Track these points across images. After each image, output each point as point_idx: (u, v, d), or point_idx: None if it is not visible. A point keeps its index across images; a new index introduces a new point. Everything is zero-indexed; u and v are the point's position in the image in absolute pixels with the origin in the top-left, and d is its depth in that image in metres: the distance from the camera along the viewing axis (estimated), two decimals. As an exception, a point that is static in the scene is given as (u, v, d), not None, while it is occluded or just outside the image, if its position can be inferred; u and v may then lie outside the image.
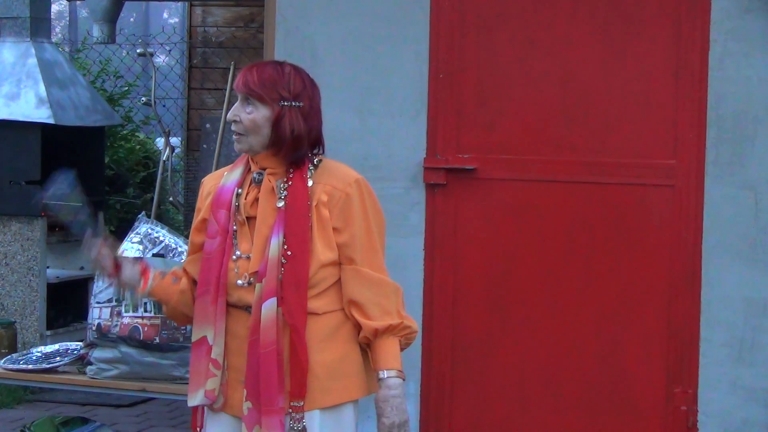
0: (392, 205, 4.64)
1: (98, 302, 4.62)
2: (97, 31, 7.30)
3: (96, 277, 4.73)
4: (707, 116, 4.48)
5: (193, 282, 3.32)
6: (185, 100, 8.63)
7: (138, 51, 6.93)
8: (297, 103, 3.20)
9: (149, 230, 4.59)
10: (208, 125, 8.09)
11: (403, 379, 3.21)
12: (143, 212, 4.85)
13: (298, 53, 4.73)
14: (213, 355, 3.23)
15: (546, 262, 4.64)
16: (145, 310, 4.54)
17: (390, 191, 4.68)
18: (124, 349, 4.55)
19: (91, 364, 4.62)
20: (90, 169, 6.91)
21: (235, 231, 3.24)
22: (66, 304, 6.69)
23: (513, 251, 4.67)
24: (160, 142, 9.10)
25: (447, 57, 4.70)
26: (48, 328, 6.43)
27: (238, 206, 3.24)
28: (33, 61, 6.47)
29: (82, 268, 6.81)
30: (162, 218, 8.15)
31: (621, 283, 4.58)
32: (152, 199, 6.83)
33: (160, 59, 10.55)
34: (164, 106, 8.91)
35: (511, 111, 4.68)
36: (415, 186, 4.74)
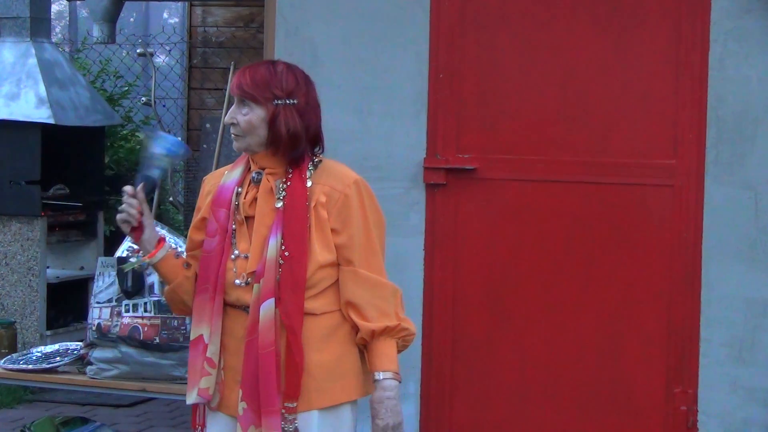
0: (392, 205, 4.64)
1: (98, 302, 4.61)
2: (97, 31, 7.30)
3: (96, 277, 4.73)
4: (707, 116, 4.48)
5: (195, 276, 3.33)
6: (185, 100, 8.62)
7: (138, 51, 6.93)
8: (291, 101, 3.20)
9: (149, 230, 4.58)
10: (208, 125, 8.09)
11: (399, 381, 3.21)
12: (143, 212, 4.84)
13: (298, 53, 4.73)
14: (208, 354, 3.23)
15: (546, 262, 4.64)
16: (145, 310, 4.54)
17: (390, 191, 4.68)
18: (124, 349, 4.54)
19: (91, 364, 4.62)
20: (90, 169, 6.92)
21: (234, 230, 3.24)
22: (66, 304, 6.69)
23: (513, 251, 4.67)
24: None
25: (447, 57, 4.70)
26: (48, 328, 6.44)
27: (237, 205, 3.24)
28: (33, 61, 6.48)
29: (82, 268, 6.81)
30: (162, 218, 8.15)
31: (621, 283, 4.58)
32: (152, 199, 6.82)
33: (160, 59, 10.54)
34: (164, 106, 8.91)
35: (511, 111, 4.67)
36: (415, 186, 4.73)
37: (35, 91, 6.39)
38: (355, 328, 3.22)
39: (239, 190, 3.26)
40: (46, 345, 5.23)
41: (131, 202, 3.27)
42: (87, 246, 6.85)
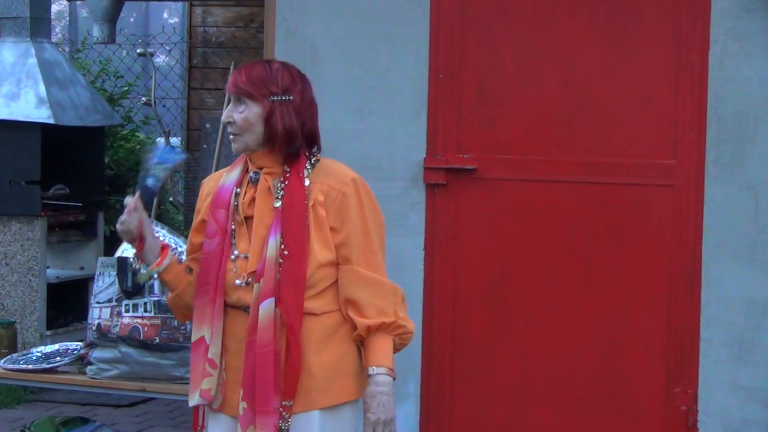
0: (392, 205, 4.64)
1: (98, 302, 4.62)
2: (97, 31, 7.30)
3: (96, 277, 4.73)
4: (707, 116, 4.48)
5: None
6: (185, 100, 8.62)
7: (138, 51, 6.93)
8: (287, 98, 3.21)
9: (149, 230, 4.58)
10: (208, 125, 8.08)
11: (394, 378, 3.20)
12: (143, 212, 4.84)
13: (298, 53, 4.73)
14: (209, 355, 3.23)
15: (546, 262, 4.64)
16: (145, 310, 4.54)
17: (390, 191, 4.68)
18: (124, 349, 4.54)
19: (91, 364, 4.62)
20: (90, 169, 6.93)
21: (234, 231, 3.24)
22: (66, 304, 6.69)
23: (513, 251, 4.67)
24: (160, 142, 9.09)
25: (447, 57, 4.70)
26: (48, 328, 6.44)
27: (236, 206, 3.25)
28: (33, 61, 6.48)
29: (82, 268, 6.81)
30: (162, 218, 8.15)
31: (621, 283, 4.58)
32: (152, 205, 6.82)
33: (160, 59, 10.54)
34: (164, 106, 8.91)
35: (511, 111, 4.68)
36: (415, 186, 4.74)
37: (35, 91, 6.39)
38: (355, 327, 3.22)
39: (238, 190, 3.26)
40: (46, 345, 5.23)
41: (132, 214, 3.26)
42: (87, 246, 6.86)
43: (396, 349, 3.24)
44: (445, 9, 4.69)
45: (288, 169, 3.22)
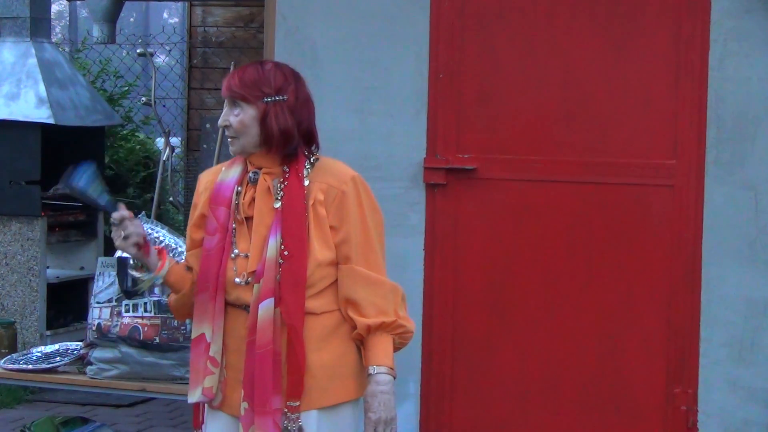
0: (392, 205, 4.64)
1: (98, 302, 4.62)
2: (97, 31, 7.30)
3: (96, 277, 4.73)
4: (707, 116, 4.48)
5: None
6: (185, 100, 8.62)
7: (138, 51, 6.93)
8: (281, 98, 3.21)
9: (149, 230, 4.59)
10: (208, 125, 8.08)
11: (394, 377, 3.20)
12: (143, 212, 4.85)
13: (298, 53, 4.73)
14: (211, 353, 3.23)
15: (546, 262, 4.64)
16: (145, 310, 4.54)
17: (390, 191, 4.68)
18: (124, 349, 4.55)
19: (91, 364, 4.62)
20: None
21: (234, 229, 3.24)
22: (66, 304, 6.69)
23: (513, 251, 4.67)
24: (160, 142, 9.10)
25: (447, 57, 4.70)
26: (48, 328, 6.43)
27: (237, 205, 3.25)
28: (33, 61, 6.47)
29: (82, 268, 6.81)
30: (162, 218, 8.15)
31: (621, 283, 4.58)
32: (152, 199, 6.82)
33: (160, 59, 10.54)
34: (164, 106, 8.91)
35: (511, 111, 4.68)
36: (415, 186, 4.74)
37: (35, 91, 6.39)
38: (355, 327, 3.22)
39: (239, 189, 3.26)
40: (46, 345, 5.23)
41: (135, 222, 3.25)
42: (87, 246, 6.85)
43: (396, 348, 3.24)
44: (445, 9, 4.69)
45: (287, 169, 3.23)
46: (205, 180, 3.37)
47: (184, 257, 3.44)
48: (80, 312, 6.46)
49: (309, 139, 3.27)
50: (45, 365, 4.76)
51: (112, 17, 7.29)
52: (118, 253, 4.65)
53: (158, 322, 4.51)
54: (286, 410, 3.15)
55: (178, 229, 7.47)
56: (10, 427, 5.86)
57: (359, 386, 3.25)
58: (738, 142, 4.46)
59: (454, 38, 4.70)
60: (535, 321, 4.66)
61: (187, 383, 3.36)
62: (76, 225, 6.80)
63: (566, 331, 4.63)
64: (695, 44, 4.48)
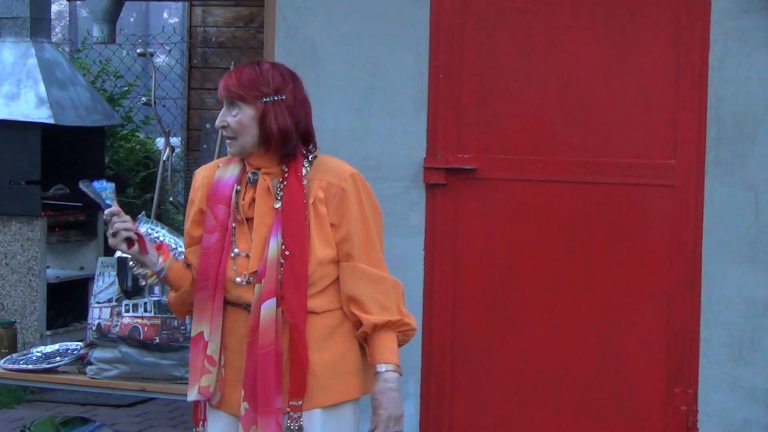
0: (392, 205, 4.64)
1: (98, 302, 4.62)
2: (97, 31, 7.30)
3: (96, 277, 4.73)
4: (707, 116, 4.48)
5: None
6: (185, 100, 8.62)
7: (138, 51, 6.92)
8: (279, 98, 3.21)
9: (149, 230, 4.59)
10: (208, 125, 8.09)
11: (400, 374, 3.21)
12: (143, 212, 4.85)
13: (298, 53, 4.73)
14: (208, 352, 3.24)
15: (546, 262, 4.64)
16: (145, 310, 4.54)
17: (390, 191, 4.68)
18: (124, 349, 4.55)
19: (91, 364, 4.62)
20: (90, 169, 6.92)
21: (234, 229, 3.24)
22: (66, 304, 6.69)
23: (513, 251, 4.67)
24: (160, 142, 9.10)
25: (447, 57, 4.70)
26: (48, 328, 6.43)
27: (237, 204, 3.25)
28: (33, 61, 6.47)
29: (82, 268, 6.81)
30: (162, 218, 8.15)
31: (621, 283, 4.58)
32: (152, 199, 6.82)
33: (160, 59, 10.53)
34: (164, 106, 8.91)
35: (511, 111, 4.67)
36: (415, 186, 4.74)
37: (35, 91, 6.39)
38: (357, 325, 3.23)
39: (238, 188, 3.26)
40: (46, 345, 5.23)
41: (123, 218, 3.24)
42: (87, 246, 6.85)
43: (399, 345, 3.25)
44: (445, 9, 4.69)
45: (286, 169, 3.23)
46: (201, 176, 3.36)
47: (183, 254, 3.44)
48: (80, 312, 6.46)
49: (306, 138, 3.28)
50: (45, 365, 4.76)
51: (112, 17, 7.29)
52: (118, 253, 4.65)
53: (158, 322, 4.52)
54: (288, 410, 3.16)
55: (178, 229, 7.46)
56: (10, 427, 5.86)
57: (361, 385, 3.25)
58: (738, 142, 4.46)
59: (454, 38, 4.70)
60: (535, 321, 4.66)
61: (187, 383, 3.36)
62: (76, 225, 6.80)
63: (566, 331, 4.63)
64: (695, 44, 4.48)
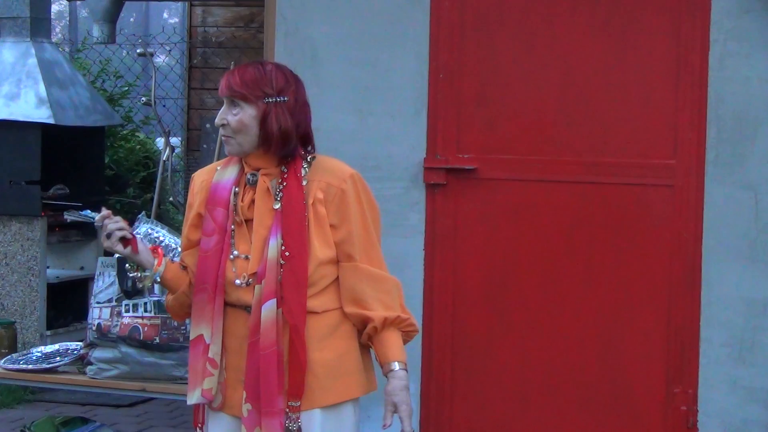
0: (392, 205, 4.64)
1: (98, 302, 4.61)
2: (97, 31, 7.30)
3: (96, 277, 4.73)
4: (707, 116, 4.48)
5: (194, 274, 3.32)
6: (185, 100, 8.63)
7: (138, 51, 6.92)
8: (281, 98, 3.20)
9: (149, 230, 4.59)
10: (208, 125, 8.09)
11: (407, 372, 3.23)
12: (143, 212, 4.85)
13: (298, 53, 4.73)
14: (210, 354, 3.23)
15: (546, 262, 4.64)
16: (145, 310, 4.54)
17: (390, 191, 4.68)
18: (124, 349, 4.54)
19: (91, 364, 4.62)
20: (90, 169, 6.93)
21: (233, 231, 3.24)
22: (66, 304, 6.69)
23: (513, 251, 4.67)
24: (160, 142, 9.10)
25: (447, 57, 4.70)
26: (48, 328, 6.44)
27: (235, 206, 3.24)
28: (33, 61, 6.47)
29: (82, 268, 6.81)
30: (162, 218, 8.14)
31: (621, 283, 4.58)
32: (152, 199, 6.82)
33: (160, 59, 10.54)
34: (164, 106, 8.91)
35: (511, 111, 4.68)
36: (415, 186, 4.74)
37: (35, 91, 6.39)
38: (358, 325, 3.23)
39: (236, 190, 3.26)
40: (46, 345, 5.23)
41: (114, 219, 3.24)
42: (87, 246, 6.86)
43: None
44: (445, 9, 4.69)
45: (285, 170, 3.23)
46: (199, 180, 3.36)
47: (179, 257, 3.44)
48: (80, 312, 6.46)
49: (305, 141, 3.28)
50: (45, 365, 4.76)
51: (112, 17, 7.29)
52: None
53: (158, 322, 4.51)
54: (287, 410, 3.15)
55: (178, 229, 7.46)
56: (10, 427, 5.86)
57: (361, 385, 3.25)
58: (738, 142, 4.46)
59: (454, 38, 4.70)
60: (535, 321, 4.66)
61: (187, 383, 3.35)
62: (76, 225, 6.80)
63: (566, 331, 4.63)
64: (695, 44, 4.48)
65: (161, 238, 4.59)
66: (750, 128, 4.45)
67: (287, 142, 3.20)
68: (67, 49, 10.32)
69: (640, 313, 4.57)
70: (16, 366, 4.79)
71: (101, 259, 4.77)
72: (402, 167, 4.74)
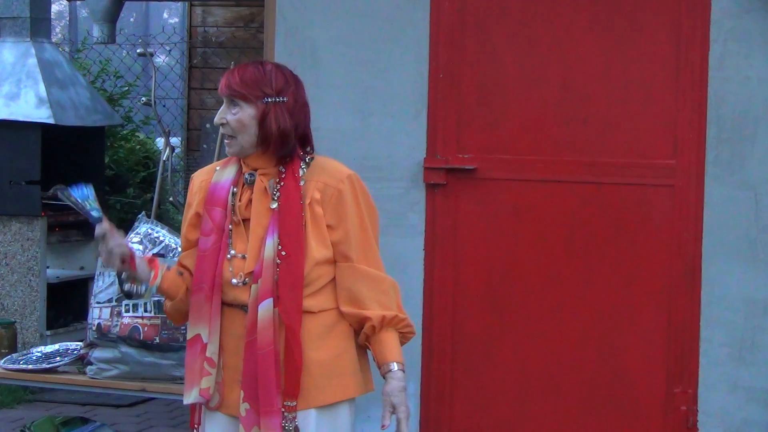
0: (392, 205, 4.64)
1: (98, 302, 4.61)
2: (97, 31, 7.30)
3: (96, 277, 4.73)
4: (707, 116, 4.48)
5: (191, 276, 3.32)
6: (185, 100, 8.62)
7: (138, 51, 6.93)
8: (281, 99, 3.21)
9: (149, 230, 4.59)
10: (208, 125, 8.09)
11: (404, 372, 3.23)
12: (143, 212, 4.85)
13: (298, 53, 4.73)
14: (208, 354, 3.23)
15: (546, 262, 4.64)
16: (145, 310, 4.54)
17: (390, 191, 4.68)
18: (124, 349, 4.55)
19: (91, 364, 4.62)
20: (90, 169, 6.92)
21: (231, 230, 3.24)
22: (66, 304, 6.69)
23: (513, 251, 4.67)
24: (160, 142, 9.09)
25: (447, 57, 4.70)
26: (48, 328, 6.43)
27: (233, 206, 3.24)
28: (33, 61, 6.47)
29: (82, 268, 6.81)
30: (162, 218, 8.15)
31: (621, 283, 4.58)
32: (152, 199, 6.83)
33: (160, 59, 10.54)
34: (164, 106, 8.91)
35: (511, 111, 4.68)
36: (415, 186, 4.74)
37: (35, 91, 6.39)
38: (355, 326, 3.23)
39: (235, 189, 3.26)
40: (46, 345, 5.23)
41: (115, 237, 3.25)
42: (87, 246, 6.86)
43: None
44: (445, 9, 4.69)
45: (283, 170, 3.23)
46: (198, 180, 3.36)
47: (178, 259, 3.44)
48: (80, 312, 6.46)
49: (304, 141, 3.28)
50: (45, 365, 4.76)
51: (112, 17, 7.28)
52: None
53: (158, 322, 4.51)
54: (283, 410, 3.15)
55: (178, 229, 7.46)
56: (10, 427, 5.86)
57: (356, 385, 3.25)
58: (738, 142, 4.46)
59: (454, 38, 4.70)
60: (535, 321, 4.66)
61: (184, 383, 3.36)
62: (76, 225, 6.80)
63: (566, 331, 4.63)
64: (695, 44, 4.48)
65: (161, 238, 4.59)
66: (750, 128, 4.45)
67: (286, 142, 3.21)
68: (67, 49, 10.32)
69: (640, 313, 4.57)
70: (16, 366, 4.79)
71: (101, 259, 4.76)
72: (402, 167, 4.74)
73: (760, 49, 4.43)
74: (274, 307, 3.15)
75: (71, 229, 6.80)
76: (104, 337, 4.55)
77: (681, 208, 4.52)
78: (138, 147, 9.14)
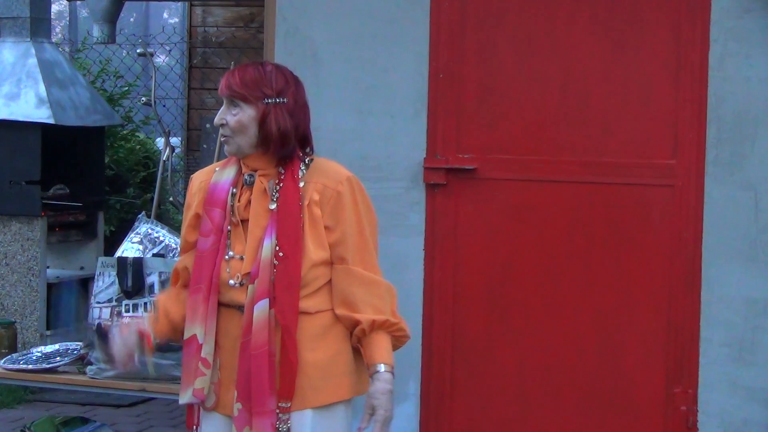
0: (392, 205, 4.64)
1: (98, 302, 4.61)
2: (97, 31, 7.30)
3: (96, 277, 4.73)
4: (707, 116, 4.48)
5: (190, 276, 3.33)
6: (185, 100, 8.62)
7: (138, 51, 6.92)
8: (281, 100, 3.21)
9: (149, 230, 4.59)
10: (208, 125, 8.08)
11: (394, 376, 3.21)
12: (143, 212, 4.85)
13: (298, 53, 4.73)
14: (203, 354, 3.23)
15: (546, 262, 4.64)
16: (145, 310, 4.54)
17: (390, 191, 4.68)
18: (124, 349, 4.53)
19: (91, 364, 4.62)
20: (90, 169, 6.92)
21: (229, 231, 3.24)
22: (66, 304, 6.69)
23: (513, 251, 4.67)
24: (160, 142, 9.09)
25: (447, 57, 4.70)
26: (48, 328, 6.43)
27: (232, 207, 3.24)
28: (33, 61, 6.47)
29: (82, 268, 6.81)
30: (162, 218, 8.14)
31: (621, 283, 4.58)
32: (152, 199, 6.82)
33: (160, 59, 10.54)
34: (164, 106, 8.90)
35: (511, 111, 4.67)
36: (415, 186, 4.73)
37: (35, 91, 6.39)
38: (349, 328, 3.23)
39: (234, 190, 3.26)
40: (46, 345, 5.23)
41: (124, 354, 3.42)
42: (87, 246, 6.85)
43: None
44: (445, 9, 4.69)
45: (282, 171, 3.23)
46: (198, 180, 3.37)
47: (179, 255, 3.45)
48: (80, 312, 6.45)
49: (304, 142, 3.28)
50: (45, 365, 4.76)
51: (112, 17, 7.28)
52: (118, 253, 4.65)
53: (158, 322, 4.50)
54: (277, 411, 3.15)
55: (178, 229, 7.45)
56: (10, 427, 5.86)
57: (352, 386, 3.25)
58: (738, 142, 4.46)
59: (454, 38, 4.70)
60: (535, 321, 4.65)
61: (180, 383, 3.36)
62: (76, 225, 6.80)
63: (566, 331, 4.63)
64: (695, 44, 4.48)
65: (161, 238, 4.59)
66: (750, 128, 4.45)
67: (286, 143, 3.21)
68: (67, 49, 10.31)
69: (640, 313, 4.57)
70: (16, 366, 4.79)
71: (101, 259, 4.77)
72: (402, 167, 4.73)
73: (760, 49, 4.43)
74: (270, 308, 3.15)
75: (71, 229, 6.79)
76: (104, 337, 4.55)
77: (681, 208, 4.52)
78: (138, 147, 9.14)
